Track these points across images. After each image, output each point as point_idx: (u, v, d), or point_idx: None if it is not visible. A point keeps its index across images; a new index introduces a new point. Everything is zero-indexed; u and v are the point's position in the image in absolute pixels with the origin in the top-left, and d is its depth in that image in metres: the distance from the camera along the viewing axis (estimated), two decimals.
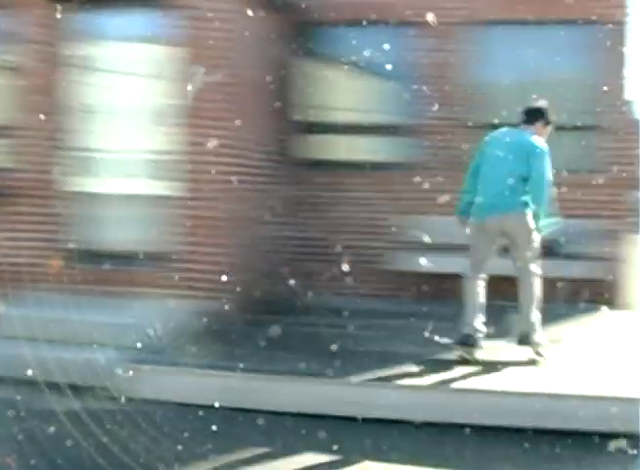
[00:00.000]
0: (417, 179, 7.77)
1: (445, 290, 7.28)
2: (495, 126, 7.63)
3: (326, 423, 4.80)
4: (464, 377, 5.40)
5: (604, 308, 7.41)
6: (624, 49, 8.24)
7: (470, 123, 8.14)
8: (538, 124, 5.91)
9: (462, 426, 4.71)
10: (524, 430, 4.71)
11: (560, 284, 7.04)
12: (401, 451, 4.47)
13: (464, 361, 5.73)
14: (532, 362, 5.75)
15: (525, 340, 5.80)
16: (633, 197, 8.33)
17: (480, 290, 5.84)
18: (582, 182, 7.74)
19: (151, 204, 7.10)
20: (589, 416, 4.76)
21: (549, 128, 5.97)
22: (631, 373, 5.45)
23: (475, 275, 5.85)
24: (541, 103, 6.03)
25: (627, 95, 8.25)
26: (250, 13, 7.16)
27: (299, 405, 5.07)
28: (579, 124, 7.99)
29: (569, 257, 7.58)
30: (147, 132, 7.24)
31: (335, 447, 4.47)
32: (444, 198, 6.87)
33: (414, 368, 5.56)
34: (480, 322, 5.79)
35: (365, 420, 4.84)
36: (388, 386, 5.22)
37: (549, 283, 7.06)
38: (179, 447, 4.29)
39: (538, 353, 5.79)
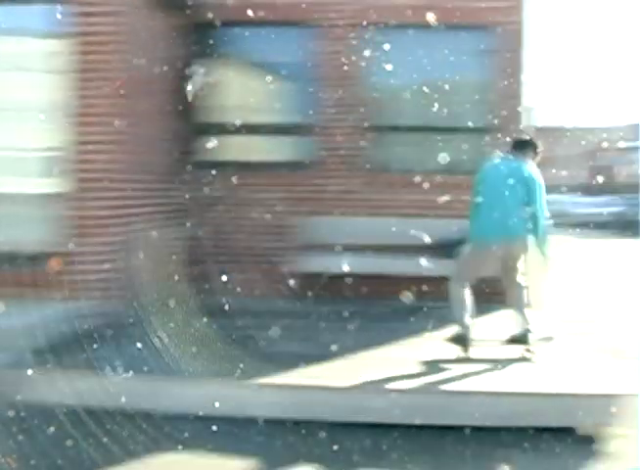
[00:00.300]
0: (318, 179, 7.78)
1: (348, 289, 7.31)
2: (393, 128, 7.74)
3: (221, 422, 4.74)
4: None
5: (498, 307, 7.53)
6: (522, 54, 8.41)
7: (369, 124, 8.19)
8: (528, 155, 6.21)
9: (359, 425, 4.76)
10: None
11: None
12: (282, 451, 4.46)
13: (461, 360, 5.89)
14: (524, 359, 5.94)
15: (518, 339, 6.11)
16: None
17: (467, 292, 6.09)
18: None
19: (39, 202, 6.90)
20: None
21: (537, 158, 6.28)
22: (526, 369, 5.66)
23: (464, 284, 6.10)
24: (529, 135, 6.46)
25: (524, 99, 8.39)
26: (147, 11, 7.06)
27: (184, 406, 4.98)
28: (476, 127, 8.13)
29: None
30: (35, 129, 7.03)
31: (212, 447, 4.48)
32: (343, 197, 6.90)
33: (300, 368, 5.53)
34: (470, 322, 6.03)
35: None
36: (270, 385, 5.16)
37: (439, 283, 7.18)
38: (57, 451, 4.17)
39: (529, 351, 6.03)
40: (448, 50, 8.19)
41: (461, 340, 6.01)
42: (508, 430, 4.79)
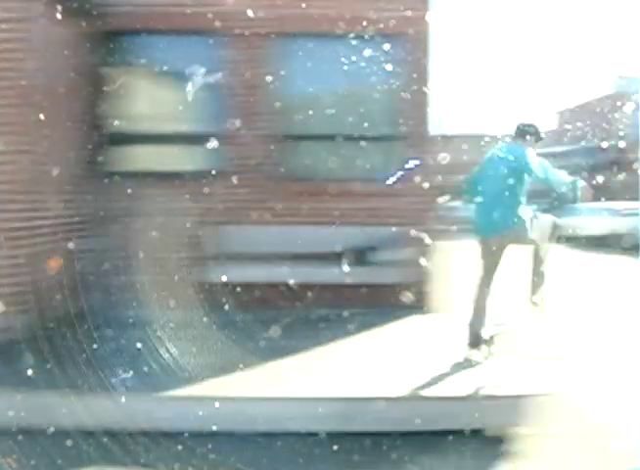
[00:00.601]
0: (228, 188, 7.75)
1: (257, 299, 7.30)
2: (303, 137, 7.73)
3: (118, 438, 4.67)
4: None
5: (412, 312, 7.64)
6: (429, 63, 8.55)
7: (279, 133, 8.22)
8: (530, 140, 6.31)
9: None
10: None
11: (369, 290, 7.22)
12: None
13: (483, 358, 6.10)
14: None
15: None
16: (440, 205, 8.64)
17: (484, 297, 6.25)
18: (388, 191, 7.97)
19: None
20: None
21: (538, 143, 6.36)
22: (438, 373, 5.72)
23: (483, 287, 6.24)
24: (532, 121, 6.44)
25: (431, 107, 8.53)
26: (53, 18, 6.93)
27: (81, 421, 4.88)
28: (385, 135, 8.25)
29: (376, 263, 7.76)
30: None
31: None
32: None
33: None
34: (485, 325, 6.25)
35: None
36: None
37: (357, 290, 7.24)
38: None
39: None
40: (357, 59, 8.27)
41: (474, 343, 6.19)
42: (416, 434, 4.88)
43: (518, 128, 6.41)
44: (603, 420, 5.63)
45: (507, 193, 6.03)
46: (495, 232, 6.12)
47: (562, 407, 5.38)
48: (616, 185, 24.58)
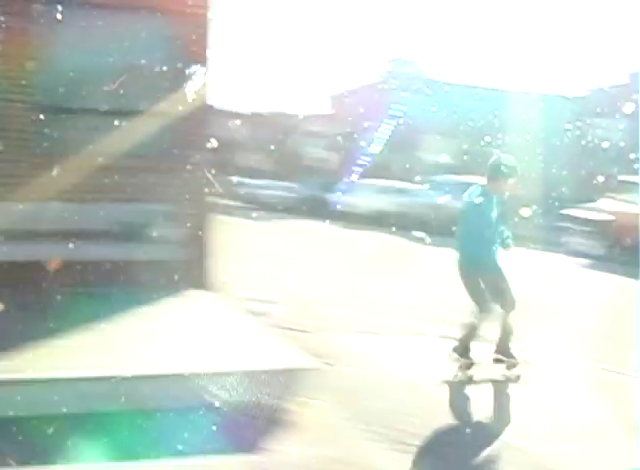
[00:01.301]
0: None
1: (22, 278, 6.94)
2: (71, 110, 7.35)
3: None
4: None
5: (186, 289, 7.58)
6: (208, 40, 8.44)
7: (44, 106, 7.79)
8: (501, 181, 6.31)
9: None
10: None
11: (141, 267, 7.09)
12: None
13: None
14: None
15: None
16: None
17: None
18: (159, 167, 7.81)
19: None
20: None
21: (513, 182, 6.33)
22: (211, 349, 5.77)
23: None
24: (504, 159, 6.39)
25: (206, 83, 8.41)
26: None
27: None
28: (159, 110, 8.04)
29: (148, 240, 7.63)
30: None
31: None
32: None
33: None
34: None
35: None
36: None
37: (131, 267, 7.09)
38: None
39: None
40: (132, 33, 7.99)
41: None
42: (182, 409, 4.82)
43: (488, 169, 6.42)
44: (374, 390, 5.88)
45: (472, 236, 6.34)
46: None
47: (333, 379, 5.55)
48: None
